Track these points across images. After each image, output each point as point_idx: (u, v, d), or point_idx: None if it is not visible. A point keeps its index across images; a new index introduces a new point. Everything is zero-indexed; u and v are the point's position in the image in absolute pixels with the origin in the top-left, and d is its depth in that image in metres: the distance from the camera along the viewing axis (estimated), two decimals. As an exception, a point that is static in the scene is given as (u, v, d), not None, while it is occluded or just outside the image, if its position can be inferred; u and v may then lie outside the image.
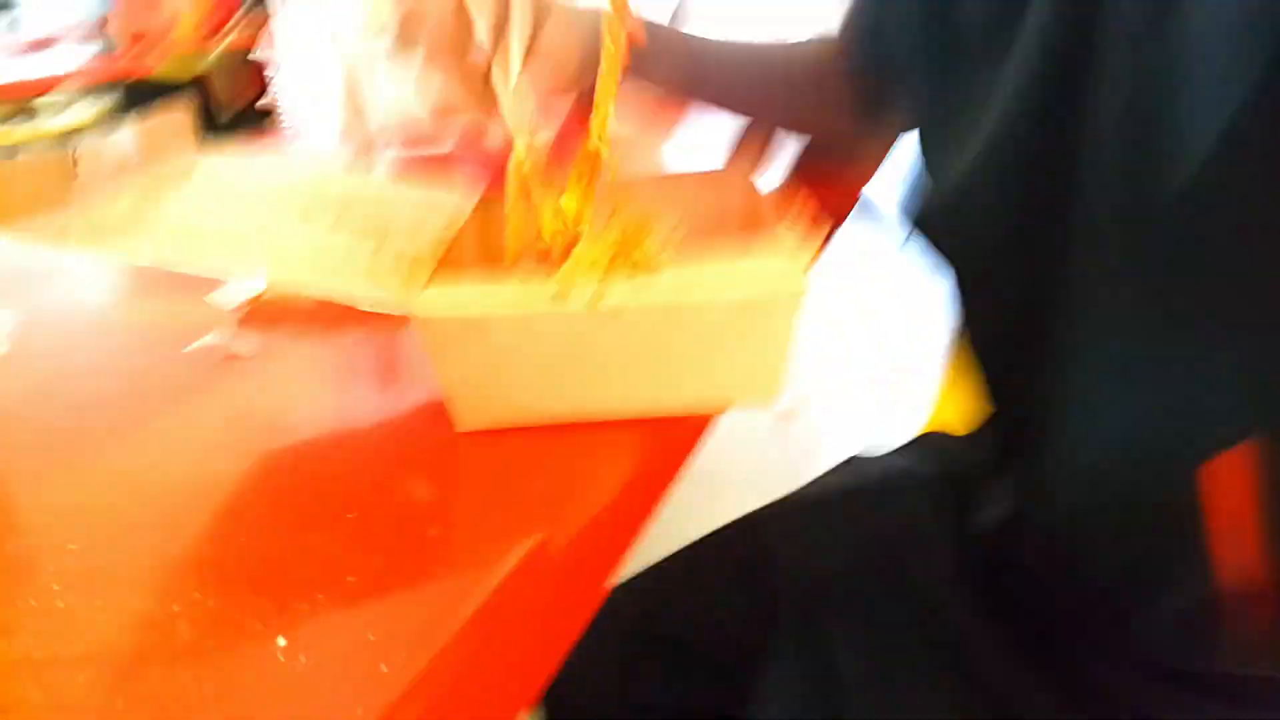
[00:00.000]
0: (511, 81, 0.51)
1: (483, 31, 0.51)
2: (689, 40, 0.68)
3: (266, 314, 0.56)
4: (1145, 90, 0.35)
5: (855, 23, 0.67)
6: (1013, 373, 0.50)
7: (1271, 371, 0.36)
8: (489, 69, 0.51)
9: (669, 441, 0.41)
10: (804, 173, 0.73)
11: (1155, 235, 0.36)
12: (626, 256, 0.45)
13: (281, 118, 0.74)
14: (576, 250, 0.45)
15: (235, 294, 0.58)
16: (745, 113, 0.72)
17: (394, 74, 0.71)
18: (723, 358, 0.40)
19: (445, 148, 0.72)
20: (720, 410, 0.42)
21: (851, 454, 0.78)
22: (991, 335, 0.51)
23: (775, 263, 0.39)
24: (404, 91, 0.70)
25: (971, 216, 0.45)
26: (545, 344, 0.39)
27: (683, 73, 0.67)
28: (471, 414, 0.41)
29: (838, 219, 0.69)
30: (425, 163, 0.72)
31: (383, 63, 0.71)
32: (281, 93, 0.73)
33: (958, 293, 0.51)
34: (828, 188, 0.70)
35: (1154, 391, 0.39)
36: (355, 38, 0.72)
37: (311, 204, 0.50)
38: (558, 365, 0.40)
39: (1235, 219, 0.34)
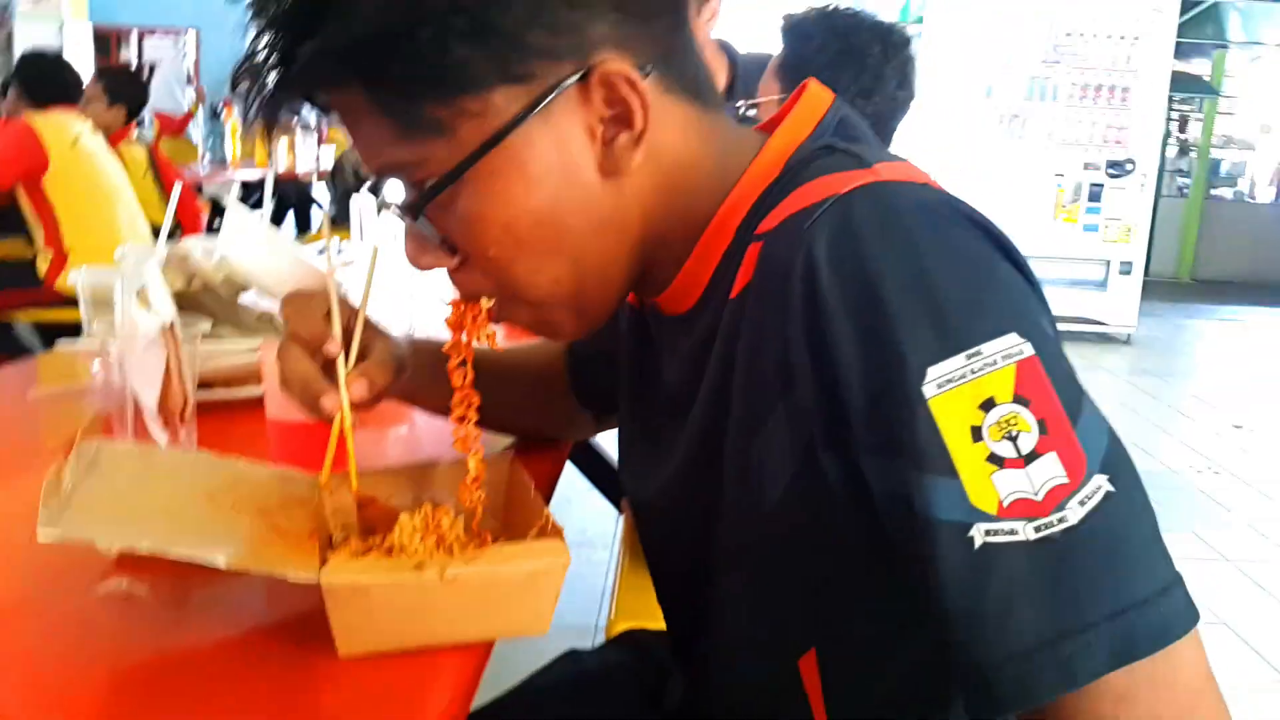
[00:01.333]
0: (342, 378, 0.73)
1: (336, 337, 0.73)
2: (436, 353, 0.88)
3: (138, 559, 0.72)
4: (749, 453, 0.62)
5: (572, 353, 0.96)
6: (681, 604, 0.78)
7: (819, 604, 0.65)
8: (332, 362, 0.72)
9: (476, 658, 0.64)
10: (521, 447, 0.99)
11: (760, 526, 0.64)
12: (436, 533, 0.69)
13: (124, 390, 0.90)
14: (400, 533, 0.68)
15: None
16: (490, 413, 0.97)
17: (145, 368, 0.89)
18: (518, 602, 0.64)
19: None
20: (516, 635, 0.65)
21: (569, 649, 1.03)
22: (668, 582, 0.79)
23: (548, 542, 0.64)
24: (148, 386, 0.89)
25: (661, 514, 0.73)
26: (406, 597, 0.61)
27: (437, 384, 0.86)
28: (351, 643, 0.62)
29: (550, 483, 0.96)
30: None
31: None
32: (127, 372, 0.90)
33: (648, 555, 0.79)
34: (543, 459, 0.97)
35: (764, 615, 0.67)
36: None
37: (209, 486, 0.69)
38: (411, 612, 0.62)
39: (799, 521, 0.62)
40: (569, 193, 0.61)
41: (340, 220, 2.82)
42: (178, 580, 0.70)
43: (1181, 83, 8.29)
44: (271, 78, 0.59)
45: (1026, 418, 0.50)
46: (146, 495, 0.67)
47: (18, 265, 3.53)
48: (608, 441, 2.01)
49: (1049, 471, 0.49)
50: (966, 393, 0.50)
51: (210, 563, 0.60)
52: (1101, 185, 5.89)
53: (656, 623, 0.90)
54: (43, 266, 3.36)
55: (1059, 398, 0.51)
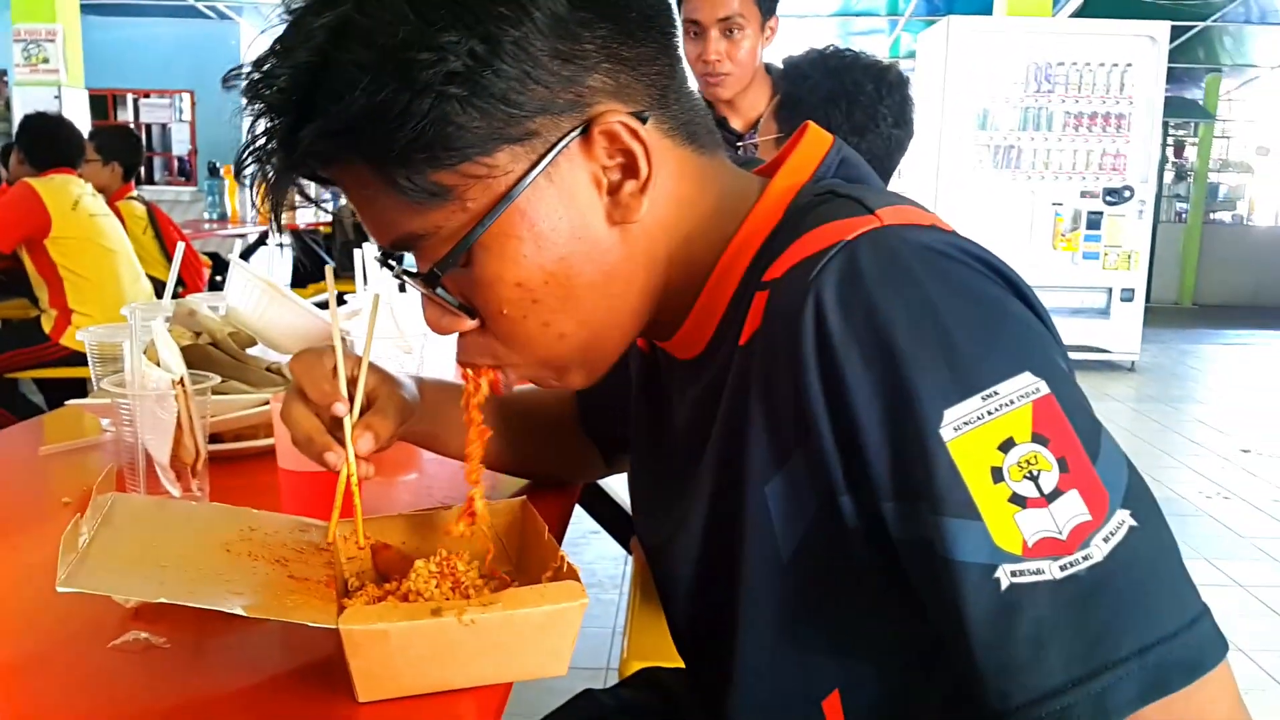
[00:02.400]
0: (348, 433, 0.74)
1: (343, 396, 0.74)
2: (449, 395, 0.91)
3: (155, 609, 0.73)
4: (766, 500, 0.61)
5: (581, 395, 0.97)
6: (700, 646, 0.78)
7: (843, 647, 0.63)
8: (339, 418, 0.74)
9: (496, 701, 0.64)
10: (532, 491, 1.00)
11: (781, 572, 0.63)
12: (452, 578, 0.70)
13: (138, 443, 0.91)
14: (415, 578, 0.69)
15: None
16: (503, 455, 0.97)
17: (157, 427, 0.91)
18: (536, 646, 0.64)
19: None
20: (535, 677, 0.65)
21: (585, 689, 1.03)
22: (685, 625, 0.78)
23: (565, 584, 0.65)
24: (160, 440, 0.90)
25: (677, 559, 0.72)
26: (425, 642, 0.62)
27: (453, 429, 0.88)
28: (371, 689, 0.62)
29: (561, 526, 0.97)
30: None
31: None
32: (138, 427, 0.91)
33: (663, 599, 0.79)
34: (554, 502, 0.98)
35: (787, 658, 0.66)
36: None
37: (225, 537, 0.70)
38: (430, 656, 0.62)
39: (820, 566, 0.61)
40: (579, 246, 0.61)
41: (343, 271, 2.85)
42: (195, 630, 0.70)
43: (1176, 108, 8.37)
44: (275, 160, 0.59)
45: (1047, 456, 0.50)
46: (163, 546, 0.68)
47: (22, 325, 3.57)
48: (614, 484, 2.01)
49: (1072, 509, 0.50)
50: (985, 434, 0.50)
51: (229, 611, 0.60)
52: (1100, 213, 5.92)
53: (670, 661, 0.89)
54: (47, 325, 3.40)
55: (1077, 435, 0.51)
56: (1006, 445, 0.50)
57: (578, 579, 0.66)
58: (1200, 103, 9.21)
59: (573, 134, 0.59)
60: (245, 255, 5.52)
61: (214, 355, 1.22)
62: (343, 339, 0.76)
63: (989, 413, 0.50)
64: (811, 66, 1.81)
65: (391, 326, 1.35)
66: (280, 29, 0.58)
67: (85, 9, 6.70)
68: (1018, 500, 0.50)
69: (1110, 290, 6.02)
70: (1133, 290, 6.02)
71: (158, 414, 0.91)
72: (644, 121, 0.60)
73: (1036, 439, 0.50)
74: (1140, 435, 4.71)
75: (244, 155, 0.60)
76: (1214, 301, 8.89)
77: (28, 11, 6.33)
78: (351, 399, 0.75)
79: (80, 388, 3.44)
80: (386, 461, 0.92)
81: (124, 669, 0.67)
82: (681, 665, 0.83)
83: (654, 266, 0.64)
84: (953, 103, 5.79)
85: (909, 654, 0.61)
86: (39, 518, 0.98)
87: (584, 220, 0.61)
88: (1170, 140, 9.32)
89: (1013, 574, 0.49)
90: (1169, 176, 9.35)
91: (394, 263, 0.67)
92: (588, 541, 2.94)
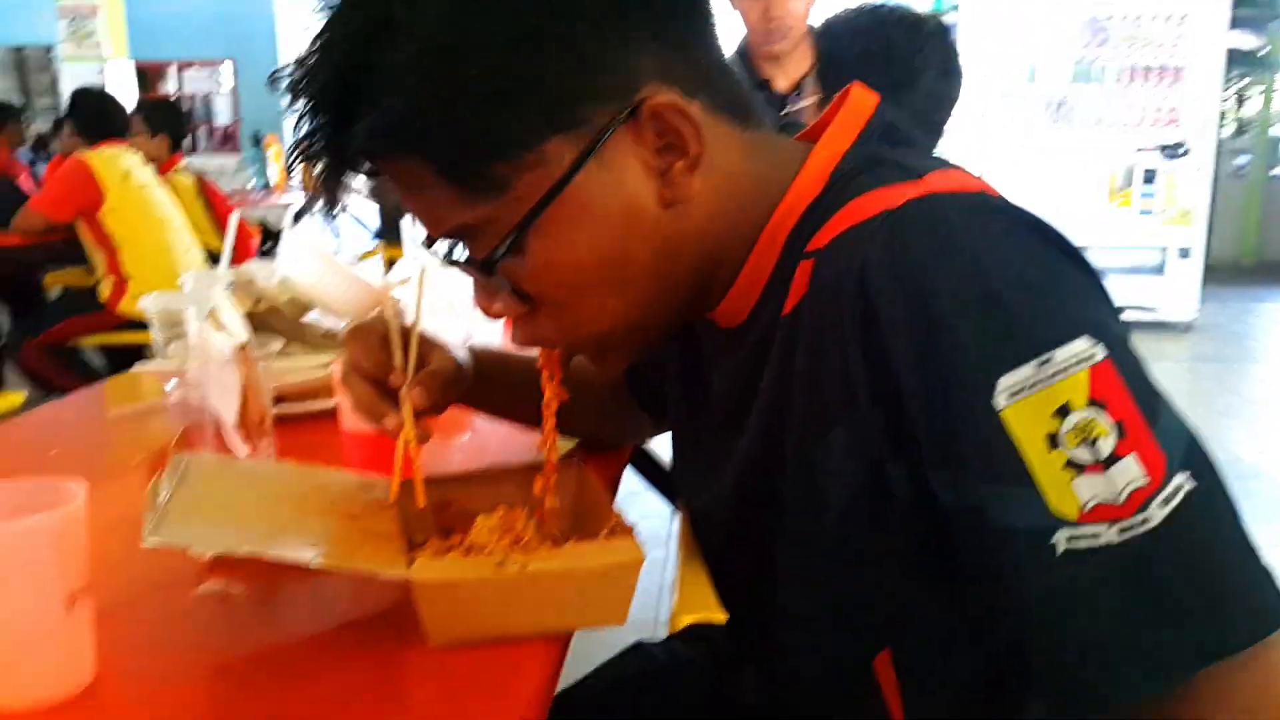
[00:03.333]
0: (404, 397, 0.76)
1: (397, 359, 0.77)
2: (509, 362, 0.94)
3: (231, 561, 0.76)
4: (811, 467, 0.61)
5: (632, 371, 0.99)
6: (746, 608, 0.79)
7: (891, 608, 0.63)
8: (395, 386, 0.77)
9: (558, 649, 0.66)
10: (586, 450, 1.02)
11: (826, 538, 0.63)
12: (512, 533, 0.72)
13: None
14: (477, 532, 0.72)
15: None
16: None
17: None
18: (596, 597, 0.66)
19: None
20: (596, 626, 0.67)
21: (635, 641, 1.05)
22: (731, 588, 0.79)
23: (621, 541, 0.66)
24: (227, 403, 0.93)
25: (720, 524, 0.73)
26: (491, 592, 0.64)
27: (504, 392, 0.94)
28: (440, 635, 0.64)
29: (613, 486, 0.99)
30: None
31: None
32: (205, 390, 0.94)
33: (708, 561, 0.80)
34: (606, 463, 1.00)
35: (835, 620, 0.67)
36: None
37: (296, 493, 0.73)
38: (496, 605, 0.64)
39: (866, 531, 0.60)
40: (632, 228, 0.61)
41: (392, 238, 2.88)
42: (268, 580, 0.73)
43: (1236, 59, 8.08)
44: (325, 158, 0.60)
45: (1103, 421, 0.50)
46: (239, 502, 0.71)
47: (81, 292, 3.67)
48: (660, 444, 2.03)
49: (1129, 474, 0.49)
50: (1040, 401, 0.50)
51: (304, 562, 0.63)
52: (1155, 169, 5.77)
53: (720, 615, 0.91)
54: (104, 292, 3.50)
55: (1134, 399, 0.50)
56: (1062, 411, 0.50)
57: (633, 536, 0.67)
58: (1262, 53, 8.91)
59: (622, 118, 0.58)
60: (295, 218, 5.60)
61: (274, 320, 1.26)
62: (395, 304, 0.79)
63: (1044, 379, 0.50)
64: (843, 25, 1.78)
65: (439, 299, 1.37)
66: (319, 19, 0.58)
67: (127, -18, 6.79)
68: (1074, 466, 0.50)
69: (1166, 249, 5.88)
70: (1190, 248, 5.87)
71: (223, 378, 0.94)
72: (691, 101, 0.60)
73: (1093, 404, 0.50)
74: (1197, 396, 4.63)
75: (295, 152, 0.60)
76: (1277, 259, 8.65)
77: (72, -13, 6.43)
78: (405, 367, 0.77)
79: (137, 353, 3.54)
80: (441, 424, 0.94)
81: (204, 617, 0.70)
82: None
83: (703, 240, 0.64)
84: (1000, 55, 5.66)
85: (961, 614, 0.62)
86: (113, 477, 1.02)
87: (636, 202, 0.61)
88: (1231, 92, 9.03)
89: (1069, 539, 0.49)
90: (1229, 130, 9.08)
91: (444, 251, 0.66)
92: (632, 500, 2.97)
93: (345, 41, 0.57)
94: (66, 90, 5.08)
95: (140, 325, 3.42)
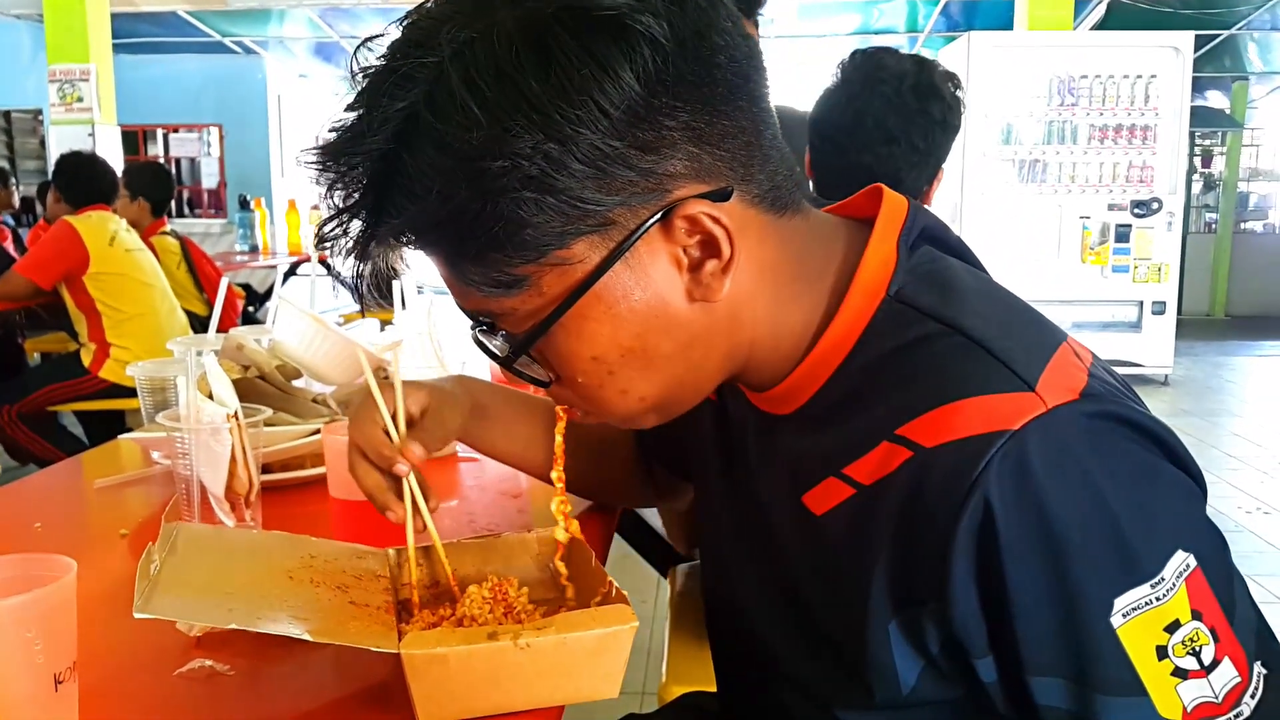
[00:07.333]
0: (407, 488, 0.77)
1: (394, 434, 0.78)
2: (515, 406, 0.97)
3: (218, 638, 0.75)
4: (873, 634, 0.61)
5: (642, 438, 1.00)
6: (745, 678, 0.79)
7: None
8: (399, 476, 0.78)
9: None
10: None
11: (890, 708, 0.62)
12: (504, 603, 0.72)
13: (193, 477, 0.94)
14: (469, 603, 0.72)
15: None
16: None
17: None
18: (589, 666, 0.66)
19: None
20: (589, 699, 0.67)
21: (627, 714, 1.04)
22: (732, 659, 0.80)
23: (615, 608, 0.66)
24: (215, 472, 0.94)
25: (759, 616, 0.72)
26: (482, 664, 0.63)
27: (510, 441, 0.96)
28: (431, 713, 0.64)
29: (603, 551, 0.99)
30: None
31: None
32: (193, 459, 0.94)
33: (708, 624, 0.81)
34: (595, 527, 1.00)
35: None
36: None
37: (287, 564, 0.72)
38: (487, 678, 0.64)
39: (926, 704, 0.62)
40: (656, 322, 0.60)
41: (384, 300, 2.88)
42: (256, 656, 0.73)
43: (1202, 117, 8.28)
44: (356, 243, 0.60)
45: (1205, 632, 0.55)
46: (229, 574, 0.70)
47: (62, 359, 3.64)
48: (647, 511, 2.04)
49: (1226, 675, 0.55)
50: (1153, 619, 0.54)
51: (295, 636, 0.62)
52: (1129, 226, 5.88)
53: (709, 685, 0.91)
54: (86, 359, 3.47)
55: (1220, 602, 0.56)
56: (1172, 627, 0.54)
57: (627, 603, 0.67)
58: (1227, 111, 9.14)
59: (651, 221, 0.57)
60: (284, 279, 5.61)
61: (262, 388, 1.26)
62: (387, 380, 0.80)
63: (1157, 599, 0.54)
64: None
65: (433, 357, 1.38)
66: (345, 95, 0.58)
67: (117, 48, 6.85)
68: (1180, 674, 0.54)
69: (1141, 303, 5.96)
70: (1164, 303, 5.95)
71: (213, 447, 0.94)
72: (727, 198, 0.58)
73: (1195, 615, 0.55)
74: (1176, 449, 4.64)
75: (326, 236, 0.60)
76: (1247, 313, 8.77)
77: (63, 52, 6.49)
78: (399, 436, 0.80)
79: (119, 420, 3.50)
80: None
81: (191, 696, 0.69)
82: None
83: (737, 332, 0.64)
84: (976, 118, 5.79)
85: None
86: (99, 550, 1.01)
87: (662, 299, 0.60)
88: (1198, 150, 9.24)
89: None
90: (1197, 187, 9.26)
91: (475, 332, 0.66)
92: (615, 565, 2.95)
93: (375, 134, 0.56)
94: (55, 153, 5.10)
95: (122, 392, 3.42)
